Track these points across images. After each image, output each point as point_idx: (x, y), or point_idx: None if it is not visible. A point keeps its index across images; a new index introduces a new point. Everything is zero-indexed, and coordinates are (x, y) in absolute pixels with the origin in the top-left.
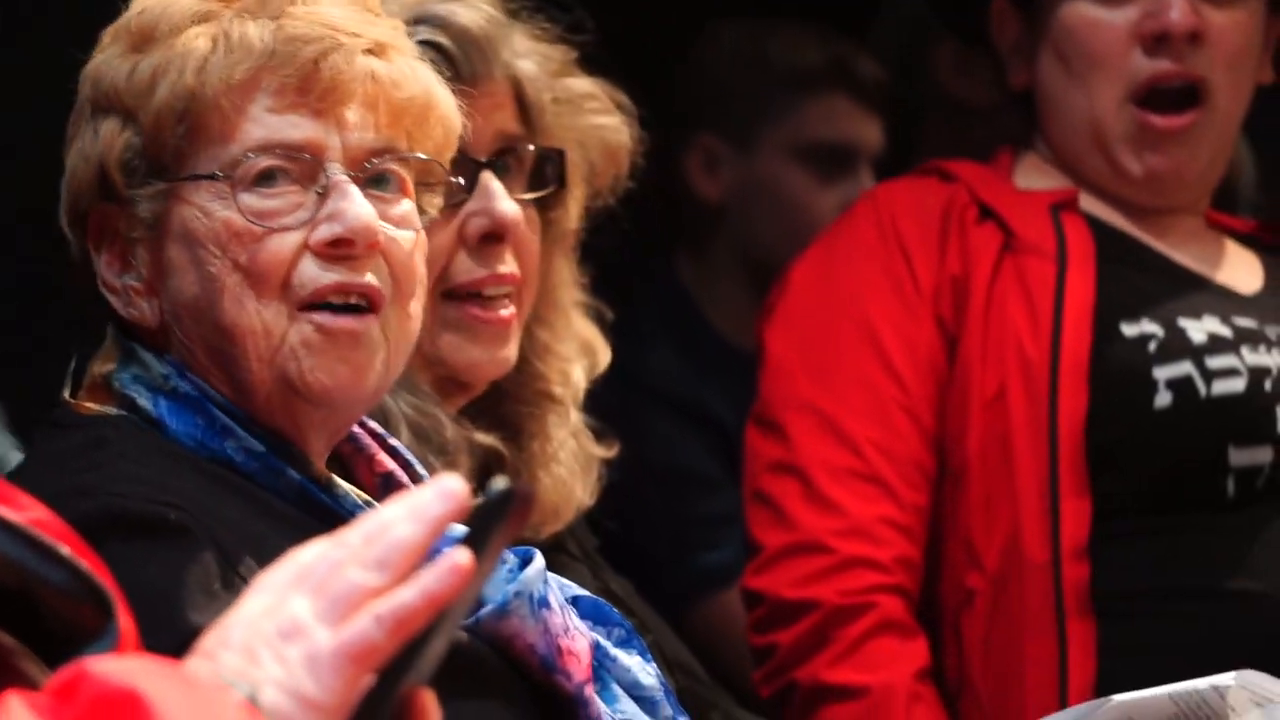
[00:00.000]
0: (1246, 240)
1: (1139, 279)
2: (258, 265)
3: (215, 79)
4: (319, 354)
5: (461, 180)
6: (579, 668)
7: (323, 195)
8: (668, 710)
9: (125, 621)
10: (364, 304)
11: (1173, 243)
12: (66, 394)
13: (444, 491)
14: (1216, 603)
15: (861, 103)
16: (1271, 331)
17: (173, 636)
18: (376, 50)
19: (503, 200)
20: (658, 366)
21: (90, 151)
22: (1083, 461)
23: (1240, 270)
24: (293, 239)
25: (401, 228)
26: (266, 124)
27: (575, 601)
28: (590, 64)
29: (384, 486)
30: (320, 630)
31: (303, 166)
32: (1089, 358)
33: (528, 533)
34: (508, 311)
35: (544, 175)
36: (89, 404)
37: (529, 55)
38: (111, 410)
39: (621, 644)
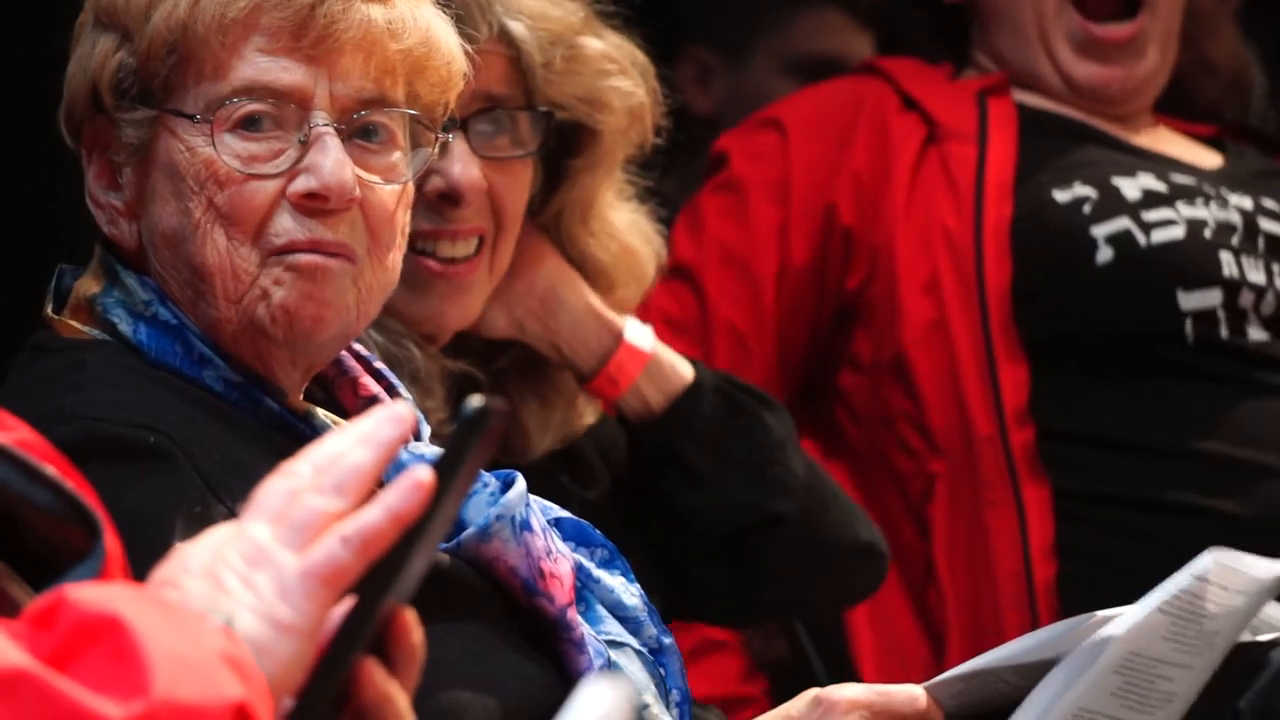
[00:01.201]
0: (1211, 142)
1: (1070, 149)
2: (233, 209)
3: (208, 15)
4: (287, 289)
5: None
6: (561, 590)
7: (305, 144)
8: (651, 629)
9: (112, 543)
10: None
11: (1116, 127)
12: (49, 310)
13: (392, 415)
14: (1174, 460)
15: (853, 16)
16: (1210, 189)
17: (155, 560)
18: None
19: (460, 163)
20: None
21: (87, 64)
22: (1014, 330)
23: (1196, 153)
24: (271, 186)
25: (386, 180)
26: (256, 65)
27: (558, 523)
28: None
29: (367, 409)
30: (285, 554)
31: (288, 113)
32: (1011, 227)
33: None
34: (464, 265)
35: (538, 135)
36: (72, 323)
37: (528, 15)
38: (93, 333)
39: (604, 564)
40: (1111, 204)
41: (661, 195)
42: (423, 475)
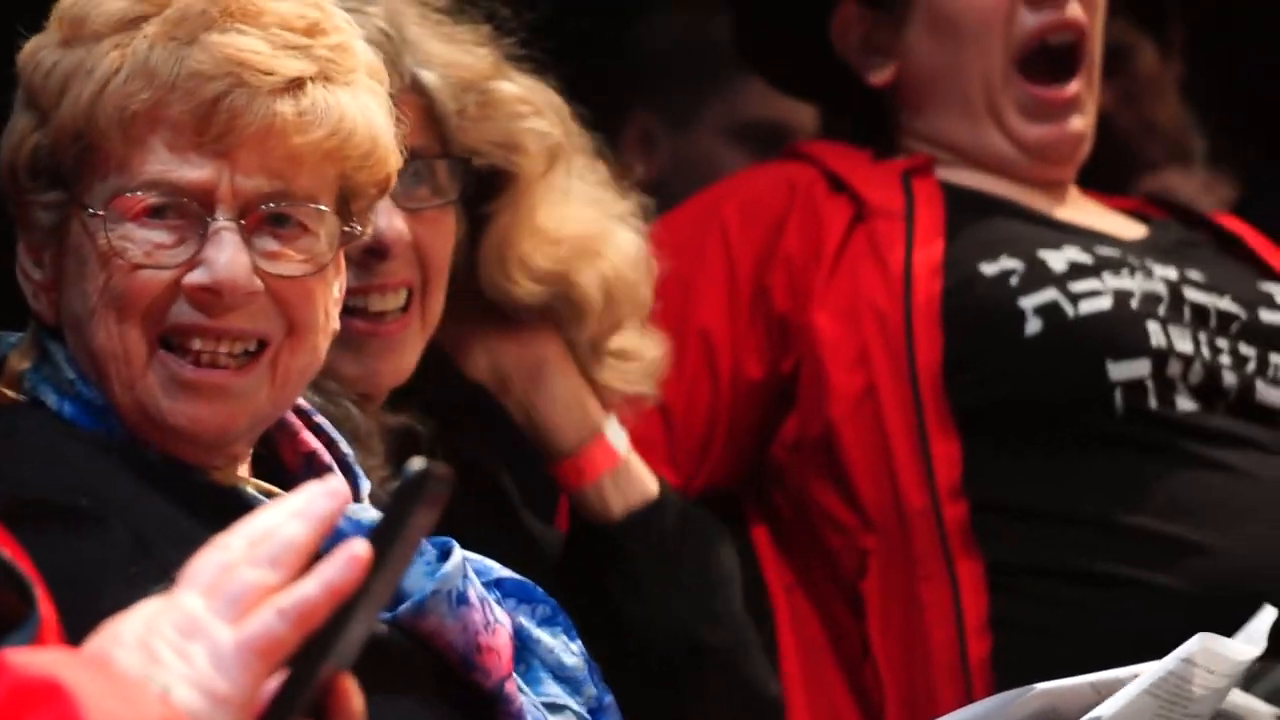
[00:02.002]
0: (1135, 215)
1: (995, 224)
2: (123, 293)
3: (110, 107)
4: (173, 398)
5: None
6: (499, 663)
7: (204, 238)
8: (592, 689)
9: (46, 609)
10: (236, 352)
11: (1040, 202)
12: None
13: (327, 490)
14: (1106, 532)
15: None
16: (1135, 261)
17: (90, 622)
18: (288, 88)
19: (384, 216)
20: None
21: (10, 141)
22: (945, 403)
23: (1119, 225)
24: (166, 276)
25: (299, 268)
26: (161, 160)
27: (499, 583)
28: (527, 46)
29: (307, 465)
30: (220, 626)
31: (190, 207)
32: (941, 302)
33: None
34: (395, 322)
35: (457, 183)
36: (6, 391)
37: (439, 64)
38: (23, 400)
39: (545, 622)
40: (1038, 276)
41: None
42: (359, 549)
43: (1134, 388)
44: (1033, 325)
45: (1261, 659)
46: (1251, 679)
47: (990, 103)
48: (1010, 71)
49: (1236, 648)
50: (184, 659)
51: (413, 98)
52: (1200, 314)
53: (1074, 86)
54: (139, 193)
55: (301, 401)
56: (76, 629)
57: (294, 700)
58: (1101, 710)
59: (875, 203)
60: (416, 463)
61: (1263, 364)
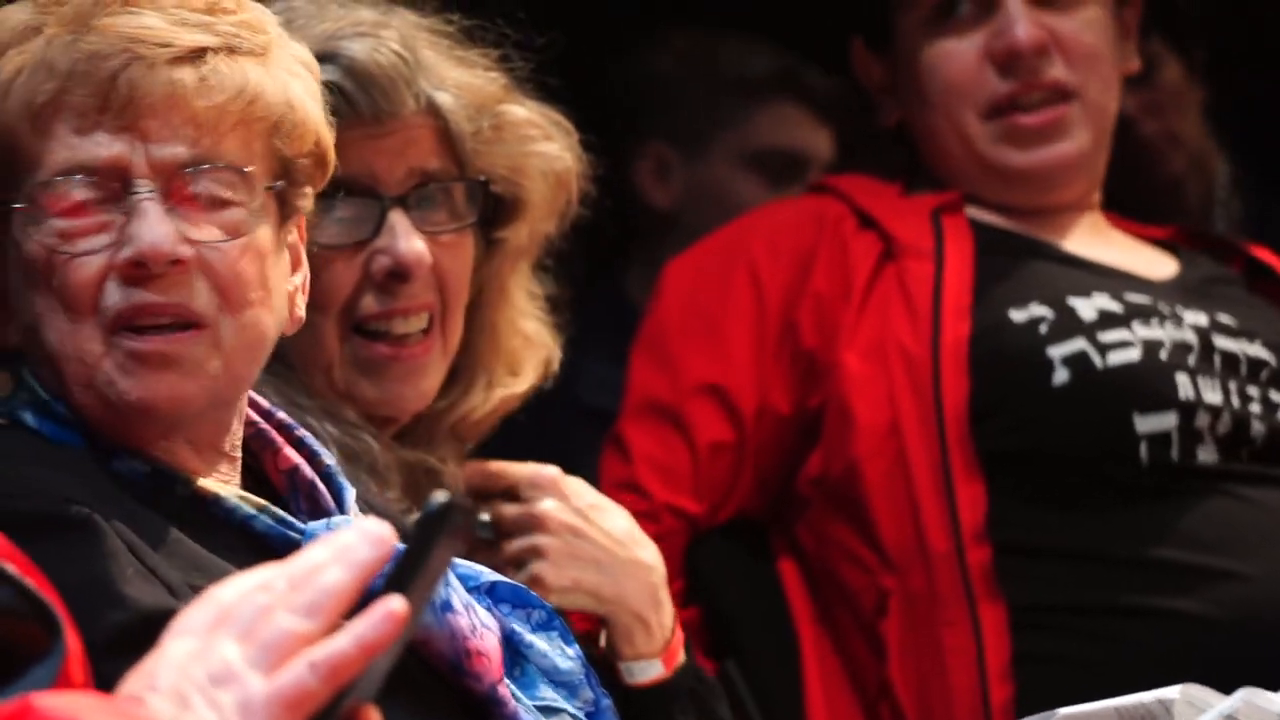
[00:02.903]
0: (1165, 245)
1: (1025, 267)
2: (65, 289)
3: (17, 104)
4: (130, 375)
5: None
6: (489, 667)
7: (127, 215)
8: (588, 693)
9: (72, 640)
10: (181, 324)
11: (1068, 238)
12: None
13: (371, 536)
14: (1132, 568)
15: (812, 111)
16: (1165, 308)
17: (90, 632)
18: (188, 58)
19: (405, 239)
20: (596, 380)
21: None
22: (971, 447)
23: (1148, 261)
24: (97, 261)
25: (225, 236)
26: (71, 145)
27: (492, 589)
28: (539, 74)
29: (290, 481)
30: (253, 677)
31: (110, 188)
32: (969, 345)
33: None
34: (418, 345)
35: (475, 206)
36: None
37: (453, 87)
38: (4, 424)
39: (541, 627)
40: (1068, 324)
41: (619, 290)
42: (396, 606)
43: (1159, 439)
44: (1060, 375)
45: None
46: None
47: (969, 155)
48: (985, 121)
49: (1276, 700)
50: (214, 708)
51: (428, 120)
52: (1231, 362)
53: (1055, 112)
54: (57, 179)
55: (283, 415)
56: (89, 635)
57: None
58: (1063, 711)
59: (904, 240)
60: (440, 495)
61: None
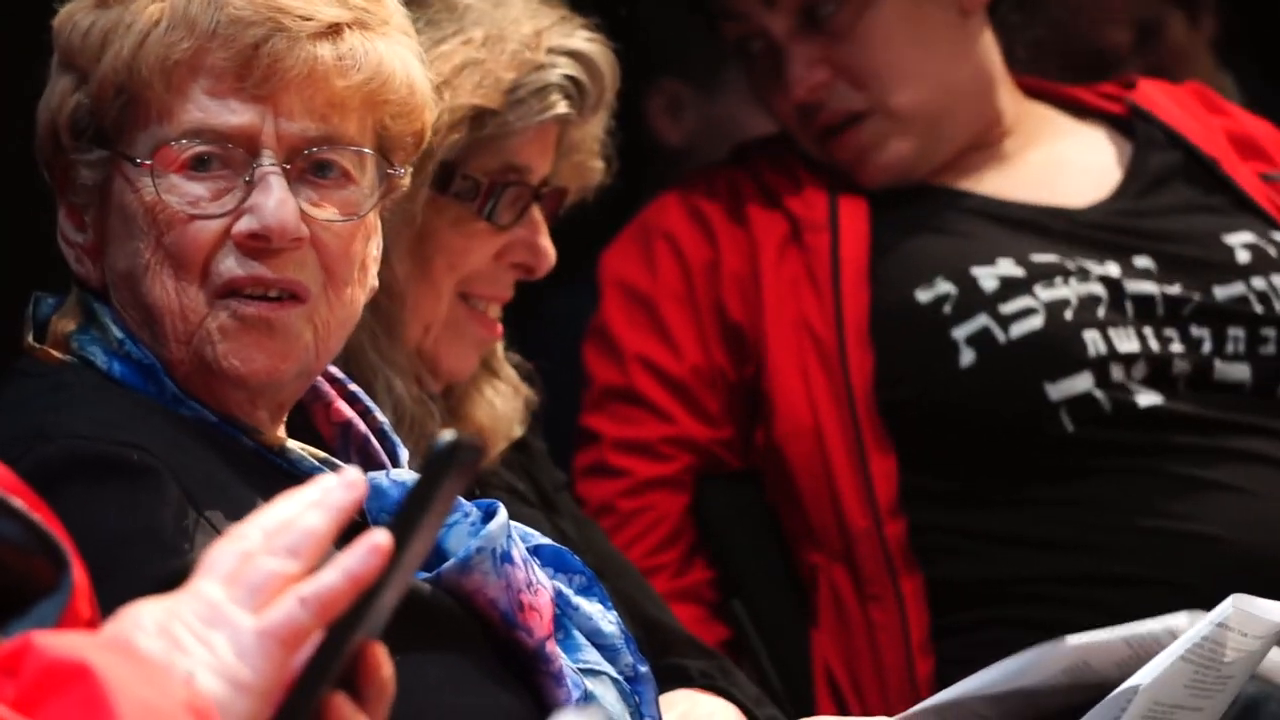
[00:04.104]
0: (1120, 124)
1: (927, 232)
2: (179, 249)
3: (152, 57)
4: (232, 339)
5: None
6: (540, 623)
7: (250, 184)
8: (628, 658)
9: (79, 576)
10: (285, 295)
11: (976, 179)
12: (29, 339)
13: (345, 480)
14: (1071, 534)
15: None
16: (1071, 262)
17: (143, 579)
18: (327, 33)
19: (544, 237)
20: None
21: (50, 104)
22: (880, 421)
23: (1080, 176)
24: (215, 226)
25: (341, 215)
26: (203, 107)
27: (536, 550)
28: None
29: (342, 434)
30: (242, 615)
31: (235, 154)
32: (870, 319)
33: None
34: (498, 322)
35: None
36: (53, 352)
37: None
38: (73, 362)
39: (583, 591)
40: (970, 300)
41: None
42: (380, 539)
43: (1080, 402)
44: (966, 356)
45: None
46: None
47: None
48: (818, 148)
49: (1272, 608)
50: (206, 646)
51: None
52: (1145, 305)
53: (857, 134)
54: (183, 140)
55: (335, 370)
56: (131, 583)
57: (325, 670)
58: (1138, 679)
59: (802, 216)
60: (447, 434)
61: (1219, 341)
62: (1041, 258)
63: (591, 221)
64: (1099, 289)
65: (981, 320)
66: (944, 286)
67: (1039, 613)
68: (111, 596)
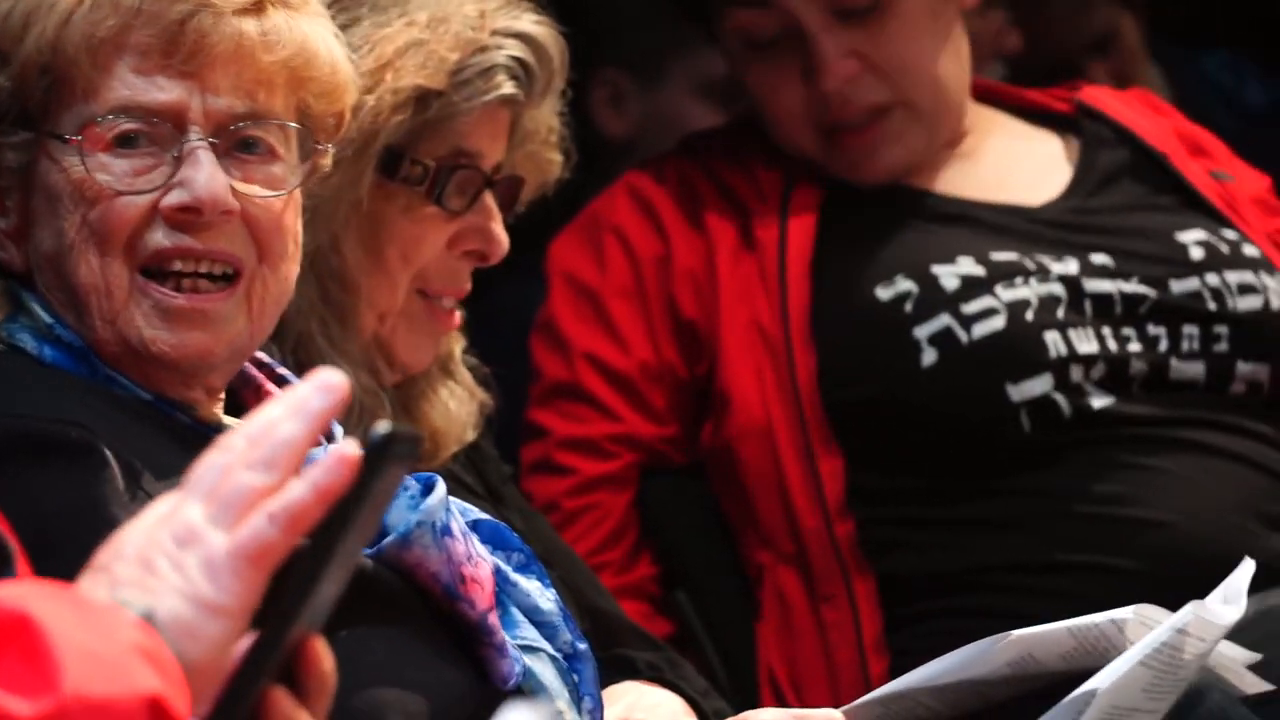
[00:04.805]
0: (1064, 123)
1: (885, 230)
2: (104, 224)
3: (77, 35)
4: (158, 327)
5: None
6: (482, 595)
7: (178, 160)
8: (566, 635)
9: (23, 570)
10: (216, 274)
11: (935, 177)
12: None
13: (324, 385)
14: (1022, 536)
15: None
16: (1031, 261)
17: (86, 556)
18: (251, 9)
19: (496, 223)
20: None
21: None
22: (825, 419)
23: (1035, 173)
24: (143, 201)
25: (268, 190)
26: (130, 84)
27: (476, 525)
28: None
29: None
30: (215, 534)
31: (162, 130)
32: (818, 315)
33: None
34: (457, 315)
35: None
36: None
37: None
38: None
39: (520, 568)
40: (931, 299)
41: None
42: (349, 450)
43: (1039, 404)
44: (928, 356)
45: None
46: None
47: (808, 155)
48: (814, 139)
49: (1225, 612)
50: (179, 570)
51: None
52: (1103, 305)
53: (871, 131)
54: (110, 117)
55: (263, 355)
56: (77, 560)
57: (264, 663)
58: (1096, 682)
59: (755, 212)
60: (383, 425)
61: (1174, 339)
62: (1001, 256)
63: (537, 213)
64: (1058, 289)
65: (943, 320)
66: (904, 284)
67: (991, 601)
68: (54, 574)
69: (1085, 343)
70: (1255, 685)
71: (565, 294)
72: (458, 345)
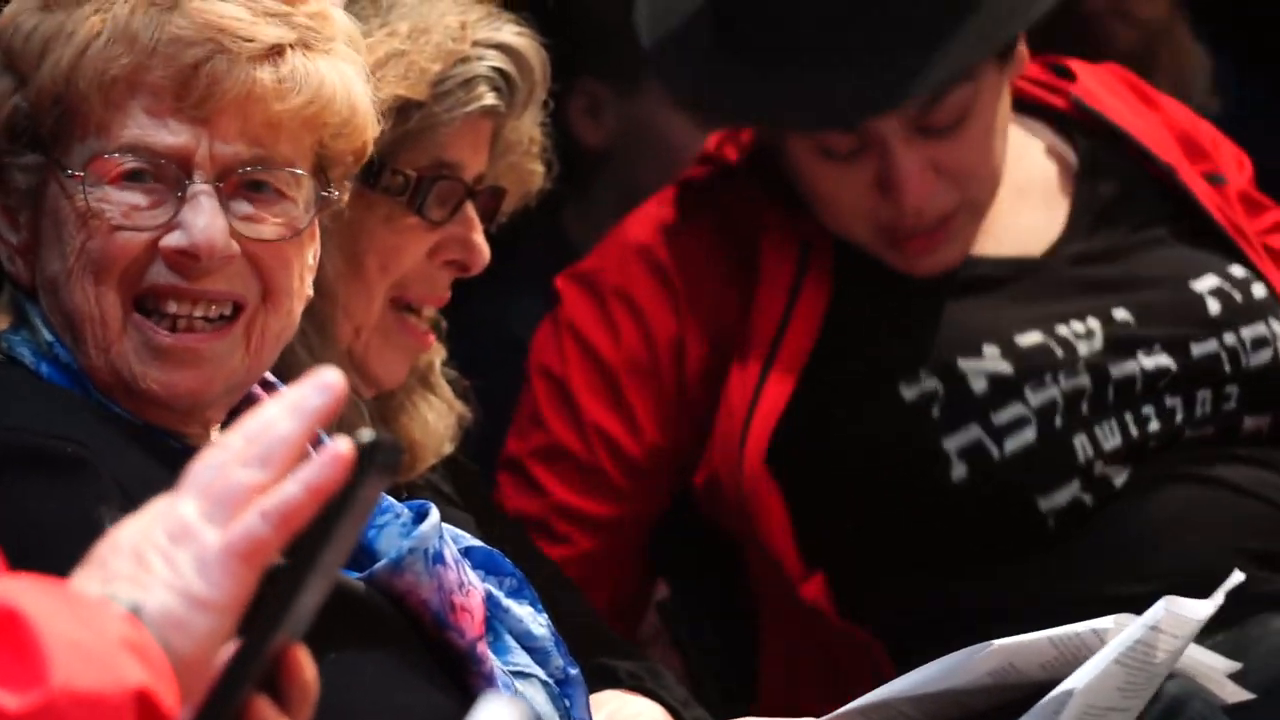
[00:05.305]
0: (1063, 124)
1: (903, 313)
2: (102, 254)
3: (91, 70)
4: (149, 364)
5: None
6: (471, 624)
7: (181, 199)
8: (558, 660)
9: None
10: (212, 316)
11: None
12: None
13: (321, 384)
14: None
15: None
16: (1057, 344)
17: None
18: (269, 55)
19: (477, 234)
20: (529, 316)
21: None
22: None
23: (1043, 202)
24: (143, 238)
25: (275, 233)
26: (141, 124)
27: (468, 552)
28: None
29: None
30: (208, 530)
31: (168, 170)
32: (766, 460)
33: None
34: (429, 332)
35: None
36: None
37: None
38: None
39: (513, 594)
40: (960, 405)
41: (555, 227)
42: (341, 447)
43: (1068, 508)
44: (959, 470)
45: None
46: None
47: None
48: (870, 234)
49: (1198, 607)
50: (170, 565)
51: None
52: (1126, 389)
53: (938, 236)
54: (117, 155)
55: (269, 376)
56: (71, 574)
57: (246, 671)
58: (1072, 682)
59: (763, 298)
60: (366, 434)
61: (1189, 408)
62: (1026, 340)
63: (519, 223)
64: (1085, 381)
65: (974, 432)
66: (929, 383)
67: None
68: None
69: (1110, 438)
70: (1236, 695)
71: (577, 355)
72: (438, 357)
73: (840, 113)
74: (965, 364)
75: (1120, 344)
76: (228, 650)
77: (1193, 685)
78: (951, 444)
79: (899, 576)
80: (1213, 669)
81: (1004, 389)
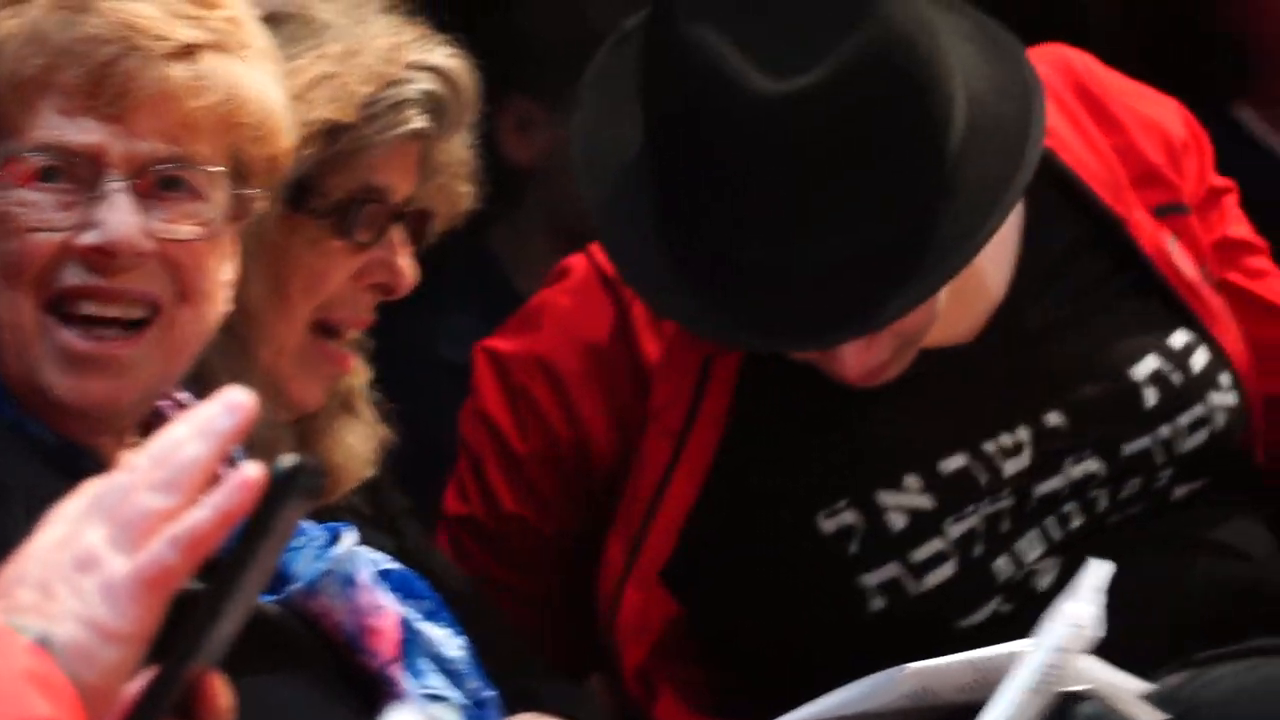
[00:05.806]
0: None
1: (814, 425)
2: (15, 257)
3: (5, 71)
4: (64, 373)
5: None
6: (385, 646)
7: (95, 199)
8: (474, 682)
9: None
10: (131, 319)
11: None
12: None
13: (230, 404)
14: None
15: None
16: (982, 467)
17: None
18: (182, 54)
19: (403, 257)
20: (457, 335)
21: None
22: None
23: (980, 274)
24: (57, 238)
25: (189, 232)
26: (52, 124)
27: (386, 575)
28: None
29: None
30: (115, 558)
31: (82, 169)
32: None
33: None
34: (349, 355)
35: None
36: None
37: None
38: None
39: (429, 616)
40: (879, 541)
41: (481, 246)
42: (251, 472)
43: (988, 623)
44: (876, 603)
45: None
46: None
47: None
48: None
49: (1082, 612)
50: (76, 594)
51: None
52: (1049, 501)
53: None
54: (29, 154)
55: (181, 396)
56: None
57: (161, 699)
58: (913, 665)
59: (662, 397)
60: (288, 458)
61: (1115, 496)
62: (949, 464)
63: (443, 242)
64: (1007, 502)
65: (893, 570)
66: (848, 516)
67: None
68: None
69: (1032, 549)
70: (1150, 716)
71: (489, 443)
72: (361, 380)
73: (789, 338)
74: (885, 497)
75: (1049, 458)
76: (138, 679)
77: (1106, 707)
78: (870, 580)
79: (802, 688)
80: (1126, 690)
81: (923, 525)
